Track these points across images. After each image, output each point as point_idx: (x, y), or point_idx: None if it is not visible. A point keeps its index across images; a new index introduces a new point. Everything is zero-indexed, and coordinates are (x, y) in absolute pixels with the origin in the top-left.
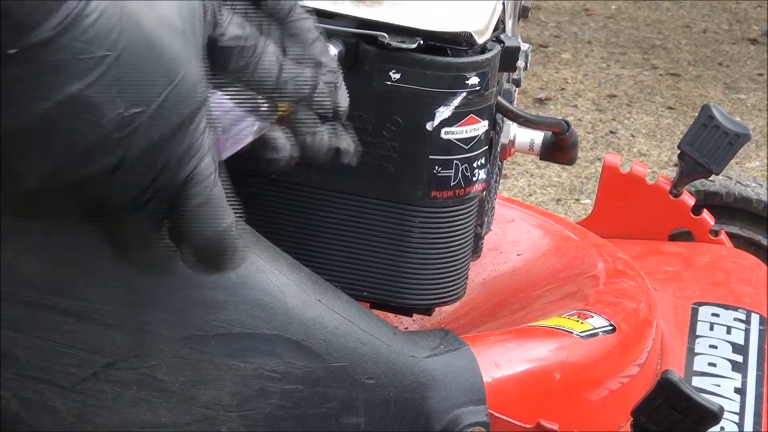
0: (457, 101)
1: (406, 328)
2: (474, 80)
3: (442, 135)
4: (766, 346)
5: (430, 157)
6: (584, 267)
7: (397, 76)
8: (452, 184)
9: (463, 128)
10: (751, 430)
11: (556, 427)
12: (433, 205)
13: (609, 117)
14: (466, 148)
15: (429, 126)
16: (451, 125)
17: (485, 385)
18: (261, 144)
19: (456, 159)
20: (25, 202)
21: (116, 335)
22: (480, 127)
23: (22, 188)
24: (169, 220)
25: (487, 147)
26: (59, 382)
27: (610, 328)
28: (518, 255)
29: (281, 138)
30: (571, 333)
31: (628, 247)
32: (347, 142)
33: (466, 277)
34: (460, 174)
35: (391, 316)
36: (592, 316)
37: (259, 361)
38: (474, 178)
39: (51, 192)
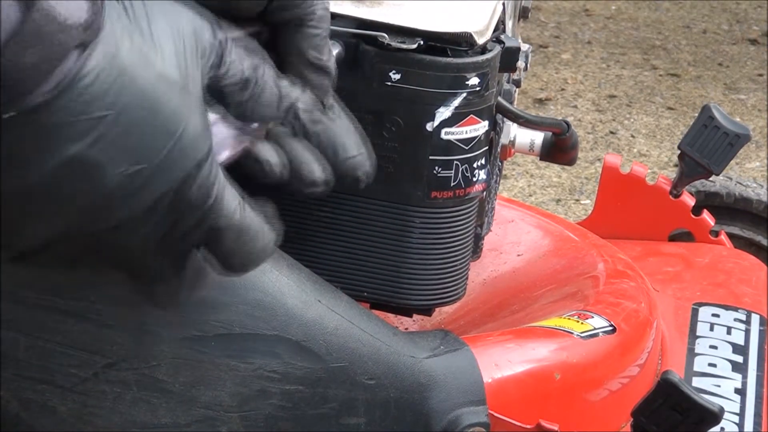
0: (457, 102)
1: (406, 329)
2: (474, 81)
3: (442, 135)
4: (766, 347)
5: (430, 157)
6: (584, 267)
7: (397, 76)
8: (452, 184)
9: (463, 129)
10: (752, 430)
11: (556, 428)
12: (433, 206)
13: (609, 117)
14: (466, 148)
15: (429, 126)
16: (451, 126)
17: (485, 386)
18: (249, 157)
19: (456, 159)
20: (34, 254)
21: (116, 336)
22: (480, 127)
23: (27, 246)
24: (210, 254)
25: (487, 147)
26: (59, 382)
27: (611, 328)
28: (518, 255)
29: (268, 150)
30: (572, 333)
31: (629, 247)
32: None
33: (466, 278)
34: (460, 174)
35: (391, 317)
36: (593, 317)
37: (259, 361)
38: (474, 179)
39: (61, 247)
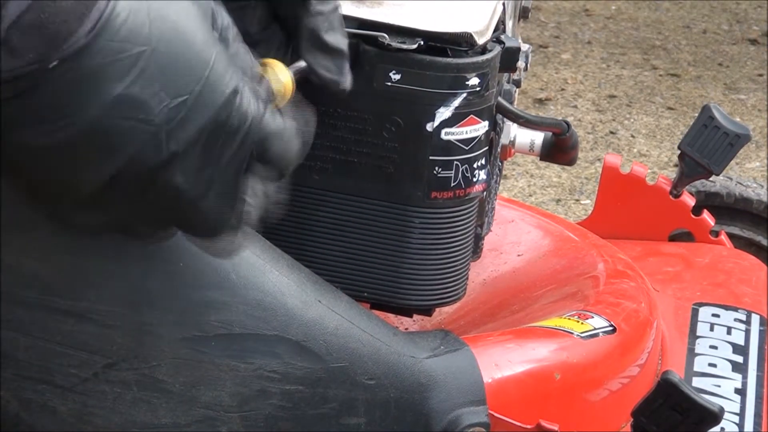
0: (457, 102)
1: (406, 329)
2: (474, 81)
3: (443, 136)
4: (766, 347)
5: (431, 157)
6: (584, 268)
7: (398, 76)
8: (452, 184)
9: (464, 129)
10: (752, 430)
11: (556, 428)
12: (434, 206)
13: (609, 117)
14: (467, 148)
15: (429, 127)
16: (451, 126)
17: (485, 386)
18: None
19: (456, 160)
20: (91, 210)
21: (116, 336)
22: (480, 127)
23: (87, 189)
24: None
25: (487, 148)
26: (59, 382)
27: (611, 328)
28: (518, 256)
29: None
30: (572, 334)
31: (629, 247)
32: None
33: (467, 278)
34: (460, 175)
35: (391, 317)
36: (593, 317)
37: (259, 361)
38: (474, 179)
39: (118, 191)
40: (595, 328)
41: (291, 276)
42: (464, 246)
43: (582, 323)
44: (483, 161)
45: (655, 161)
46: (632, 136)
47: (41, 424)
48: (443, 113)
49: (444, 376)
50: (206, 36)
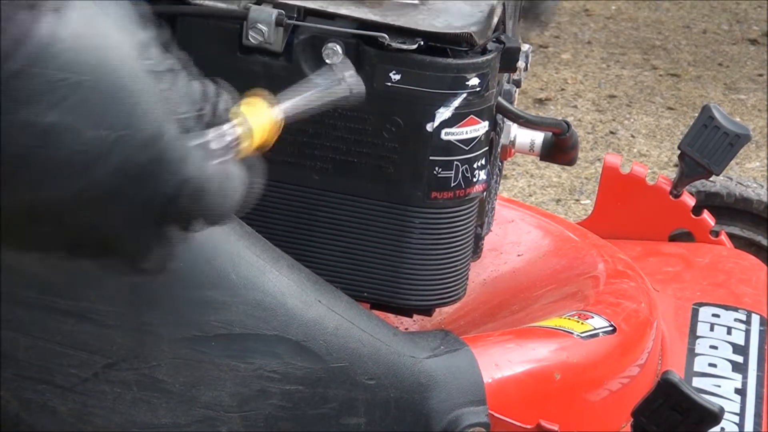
0: (457, 102)
1: (406, 329)
2: (474, 81)
3: (443, 136)
4: (766, 347)
5: (431, 158)
6: (584, 268)
7: (398, 77)
8: (452, 185)
9: (464, 129)
10: (752, 430)
11: (556, 428)
12: (434, 206)
13: (609, 117)
14: (467, 149)
15: (429, 127)
16: (451, 126)
17: (485, 386)
18: None
19: (456, 160)
20: (14, 232)
21: (117, 336)
22: (480, 128)
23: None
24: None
25: (487, 148)
26: (59, 382)
27: (611, 328)
28: (518, 256)
29: None
30: (572, 334)
31: (629, 247)
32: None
33: (467, 278)
34: (460, 175)
35: (391, 317)
36: (593, 317)
37: (259, 361)
38: (474, 179)
39: (39, 222)
40: (595, 328)
41: (291, 276)
42: (464, 246)
43: (582, 323)
44: (483, 161)
45: (655, 161)
46: (632, 136)
47: (41, 424)
48: (443, 113)
49: (444, 376)
50: (140, 68)
